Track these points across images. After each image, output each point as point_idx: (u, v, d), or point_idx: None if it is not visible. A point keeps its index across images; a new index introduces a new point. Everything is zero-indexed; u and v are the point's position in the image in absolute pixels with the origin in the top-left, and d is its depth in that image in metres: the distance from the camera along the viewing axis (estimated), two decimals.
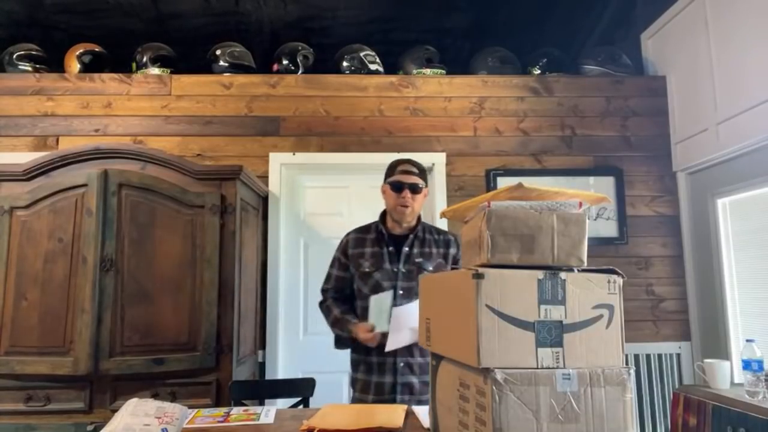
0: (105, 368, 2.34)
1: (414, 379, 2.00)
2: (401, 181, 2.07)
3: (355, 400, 2.08)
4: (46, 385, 2.35)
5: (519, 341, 1.07)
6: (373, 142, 3.27)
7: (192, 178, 2.55)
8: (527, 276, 1.10)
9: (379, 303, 1.99)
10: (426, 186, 2.13)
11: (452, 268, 2.10)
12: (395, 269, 2.07)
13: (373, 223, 2.19)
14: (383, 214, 2.20)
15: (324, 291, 2.23)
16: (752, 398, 2.27)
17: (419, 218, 2.17)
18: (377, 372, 2.03)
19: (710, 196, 3.03)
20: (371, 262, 2.10)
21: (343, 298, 2.19)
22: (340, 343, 2.16)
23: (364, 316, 2.08)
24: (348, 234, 2.22)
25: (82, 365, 2.32)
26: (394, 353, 2.00)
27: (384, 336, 1.96)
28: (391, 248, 2.10)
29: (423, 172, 2.13)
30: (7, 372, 2.33)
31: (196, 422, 1.65)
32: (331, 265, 2.23)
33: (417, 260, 2.07)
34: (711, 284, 3.02)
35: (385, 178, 2.15)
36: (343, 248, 2.19)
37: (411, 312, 1.92)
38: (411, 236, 2.11)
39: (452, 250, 2.13)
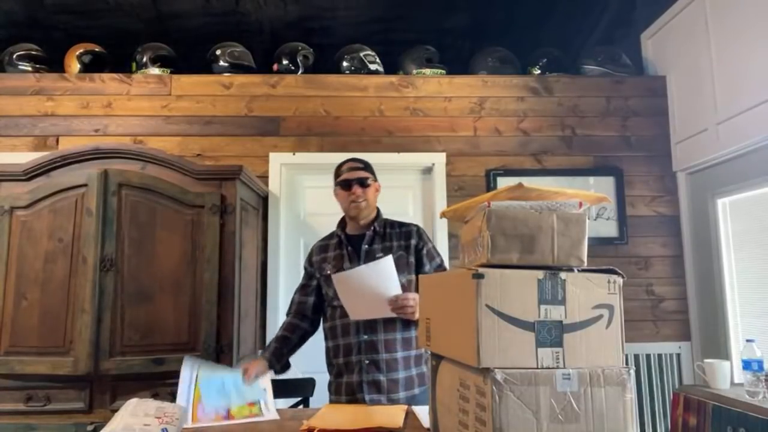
0: (105, 368, 2.34)
1: (381, 377, 1.98)
2: (348, 178, 2.08)
3: (331, 402, 2.08)
4: (46, 385, 2.35)
5: (519, 341, 1.07)
6: (373, 142, 3.27)
7: (192, 178, 2.55)
8: (527, 276, 1.10)
9: None
10: (375, 180, 2.13)
11: (416, 258, 2.08)
12: (355, 268, 2.06)
13: (335, 230, 2.20)
14: (342, 220, 2.21)
15: (291, 303, 2.22)
16: (752, 398, 2.27)
17: (378, 214, 2.15)
18: (346, 372, 2.03)
19: (710, 196, 3.03)
20: (333, 264, 2.10)
21: (302, 312, 2.17)
22: None
23: (332, 317, 2.09)
24: (314, 244, 2.24)
25: (82, 365, 2.32)
26: (359, 351, 1.99)
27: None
28: (349, 248, 2.10)
29: (369, 167, 2.13)
30: (7, 372, 2.33)
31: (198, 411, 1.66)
32: (302, 278, 2.24)
33: (378, 255, 2.04)
34: (711, 284, 3.02)
35: (334, 182, 2.15)
36: (309, 258, 2.21)
37: (353, 278, 1.89)
38: (369, 233, 2.10)
39: (413, 241, 2.09)
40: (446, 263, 3.14)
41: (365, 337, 2.00)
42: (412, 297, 1.86)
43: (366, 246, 2.08)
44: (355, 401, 1.98)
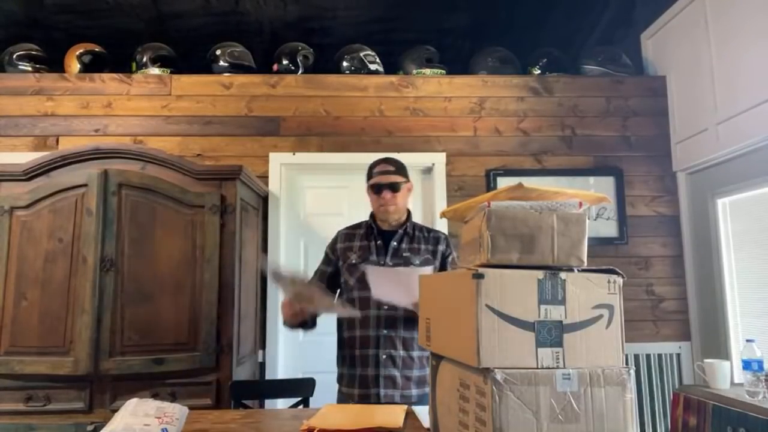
0: (105, 368, 2.34)
1: (396, 372, 1.99)
2: (379, 183, 2.09)
3: (341, 395, 2.09)
4: (46, 385, 2.35)
5: (519, 341, 1.07)
6: (373, 142, 3.27)
7: (192, 178, 2.55)
8: (527, 276, 1.10)
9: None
10: (407, 181, 2.13)
11: (441, 264, 2.11)
12: (382, 262, 2.07)
13: (364, 221, 2.21)
14: (373, 213, 2.21)
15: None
16: (752, 398, 2.27)
17: (409, 215, 2.17)
18: (361, 365, 2.03)
19: (710, 196, 3.03)
20: (359, 254, 2.11)
21: None
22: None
23: (352, 308, 2.10)
24: (339, 231, 2.25)
25: (82, 365, 2.32)
26: (377, 345, 2.01)
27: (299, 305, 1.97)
28: (379, 242, 2.12)
29: (401, 169, 2.13)
30: (7, 372, 2.33)
31: None
32: (321, 261, 2.25)
33: (404, 254, 2.08)
34: (711, 284, 3.02)
35: (366, 180, 2.17)
36: (333, 243, 2.22)
37: (388, 274, 1.94)
38: (400, 231, 2.12)
39: (441, 247, 2.12)
40: None
41: (385, 332, 2.01)
42: None
43: (395, 243, 2.10)
44: (368, 395, 1.99)
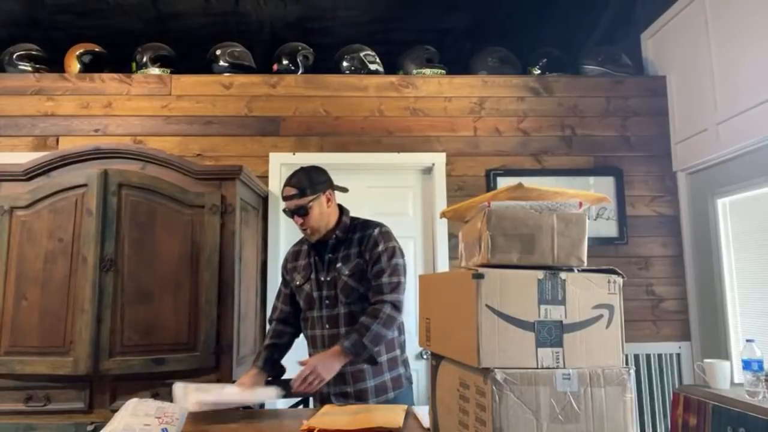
0: (105, 368, 2.34)
1: (348, 388, 1.96)
2: (286, 209, 2.01)
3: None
4: (46, 385, 2.35)
5: (519, 341, 1.07)
6: (373, 142, 3.27)
7: (192, 178, 2.55)
8: (527, 276, 1.10)
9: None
10: (317, 196, 1.98)
11: (373, 267, 1.98)
12: (321, 278, 2.02)
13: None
14: None
15: (273, 309, 2.20)
16: (752, 398, 2.27)
17: (339, 219, 2.06)
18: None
19: (710, 196, 3.03)
20: (302, 274, 2.07)
21: (286, 319, 2.14)
22: None
23: (304, 327, 2.10)
24: (288, 249, 2.21)
25: (82, 365, 2.32)
26: None
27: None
28: (316, 258, 2.06)
29: (306, 188, 1.97)
30: (7, 372, 2.33)
31: None
32: (281, 283, 2.22)
33: (337, 266, 2.00)
34: (711, 284, 3.02)
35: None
36: (284, 263, 2.19)
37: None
38: (330, 242, 2.03)
39: (364, 248, 1.99)
40: (441, 263, 3.14)
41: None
42: (308, 373, 1.82)
43: (329, 255, 2.04)
44: None
